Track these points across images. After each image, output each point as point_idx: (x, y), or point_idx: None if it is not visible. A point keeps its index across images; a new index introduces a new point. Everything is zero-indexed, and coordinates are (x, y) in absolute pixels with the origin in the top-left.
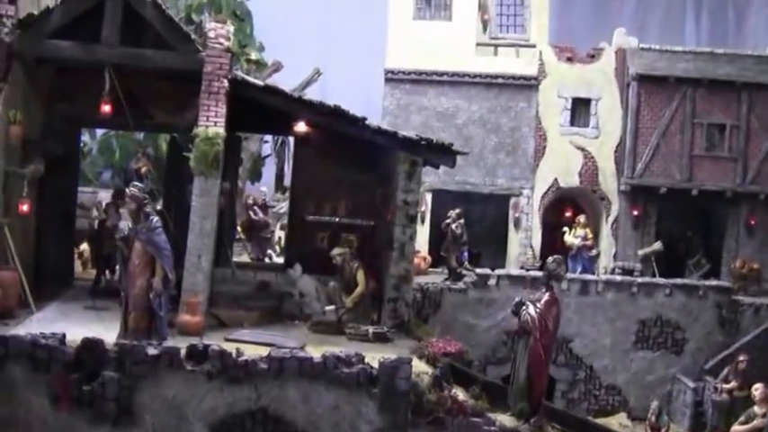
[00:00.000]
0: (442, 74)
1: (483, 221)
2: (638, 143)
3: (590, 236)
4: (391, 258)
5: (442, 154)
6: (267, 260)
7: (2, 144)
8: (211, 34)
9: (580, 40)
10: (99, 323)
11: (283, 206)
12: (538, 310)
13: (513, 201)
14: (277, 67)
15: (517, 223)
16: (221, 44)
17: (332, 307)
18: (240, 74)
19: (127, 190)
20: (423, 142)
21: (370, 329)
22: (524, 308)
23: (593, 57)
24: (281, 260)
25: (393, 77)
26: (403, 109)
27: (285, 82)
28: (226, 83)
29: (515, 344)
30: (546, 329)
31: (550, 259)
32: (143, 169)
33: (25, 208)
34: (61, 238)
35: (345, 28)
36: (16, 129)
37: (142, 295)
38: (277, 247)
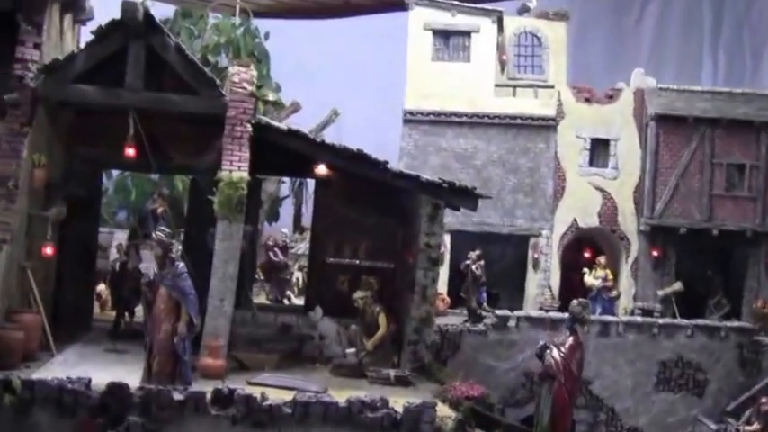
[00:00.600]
0: (460, 115)
1: (501, 262)
2: (658, 183)
3: (610, 277)
4: (412, 301)
5: (463, 197)
6: (286, 301)
7: (26, 188)
8: (235, 78)
9: (596, 80)
10: (121, 366)
11: (301, 247)
12: (562, 354)
13: (532, 241)
14: (295, 108)
15: (536, 264)
16: (244, 89)
17: (353, 350)
18: (263, 118)
19: (153, 235)
20: (444, 186)
21: (392, 373)
22: (548, 351)
23: (611, 97)
24: (299, 301)
25: (411, 118)
26: (421, 150)
27: (303, 122)
28: (249, 127)
29: (537, 386)
30: (570, 373)
31: (575, 302)
32: (160, 210)
33: (49, 251)
34: (81, 279)
35: (363, 68)
36: (40, 172)
37: (167, 339)
38: (295, 288)
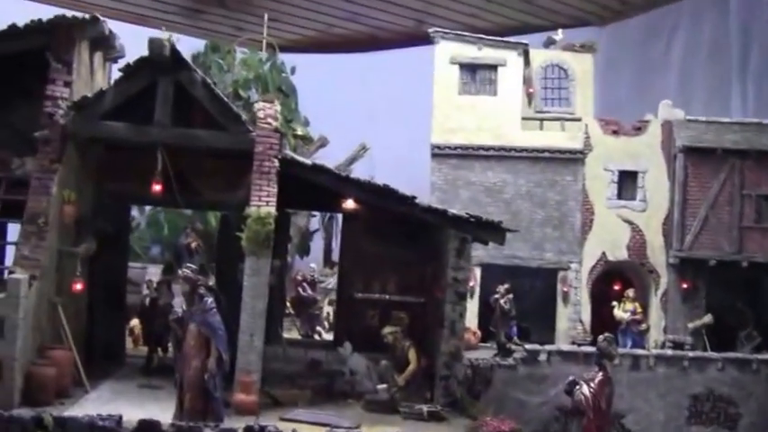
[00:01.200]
0: (488, 148)
1: (531, 296)
2: (687, 215)
3: (639, 310)
4: (442, 336)
5: (491, 231)
6: (316, 337)
7: (56, 224)
8: (260, 114)
9: (623, 112)
10: (154, 402)
11: (331, 282)
12: (591, 390)
13: (561, 275)
14: (323, 143)
15: (565, 297)
16: (270, 124)
17: (384, 385)
18: (290, 153)
19: (180, 271)
20: (471, 220)
21: (425, 408)
22: (578, 387)
23: (639, 129)
24: (329, 336)
25: (440, 152)
26: (451, 184)
27: (331, 157)
28: (276, 162)
29: (569, 423)
30: (599, 409)
31: (601, 338)
32: (193, 244)
33: (79, 287)
34: (112, 315)
35: (391, 102)
36: (70, 208)
37: (197, 376)
38: (326, 323)
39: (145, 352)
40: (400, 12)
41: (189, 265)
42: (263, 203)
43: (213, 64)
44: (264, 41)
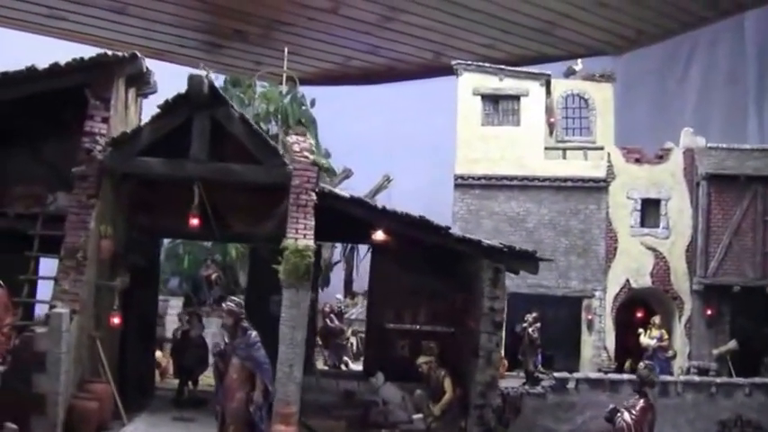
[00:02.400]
0: (511, 178)
1: (555, 324)
2: (710, 242)
3: (666, 337)
4: (477, 365)
5: (524, 261)
6: (343, 367)
7: (94, 258)
8: (296, 148)
9: (641, 139)
10: None
11: (353, 312)
12: (633, 417)
13: (585, 303)
14: (347, 174)
15: (590, 325)
16: (306, 157)
17: (420, 415)
18: (326, 186)
19: (224, 305)
20: (505, 250)
21: None
22: (619, 415)
23: (661, 157)
24: (356, 367)
25: (463, 183)
26: (474, 214)
27: (354, 188)
28: (313, 196)
29: None
30: None
31: (642, 365)
32: (213, 276)
33: (117, 321)
34: (143, 348)
35: (411, 133)
36: (107, 243)
37: (241, 408)
38: (351, 354)
39: (172, 384)
40: (419, 44)
41: (233, 298)
42: (301, 236)
43: (234, 98)
44: (284, 75)
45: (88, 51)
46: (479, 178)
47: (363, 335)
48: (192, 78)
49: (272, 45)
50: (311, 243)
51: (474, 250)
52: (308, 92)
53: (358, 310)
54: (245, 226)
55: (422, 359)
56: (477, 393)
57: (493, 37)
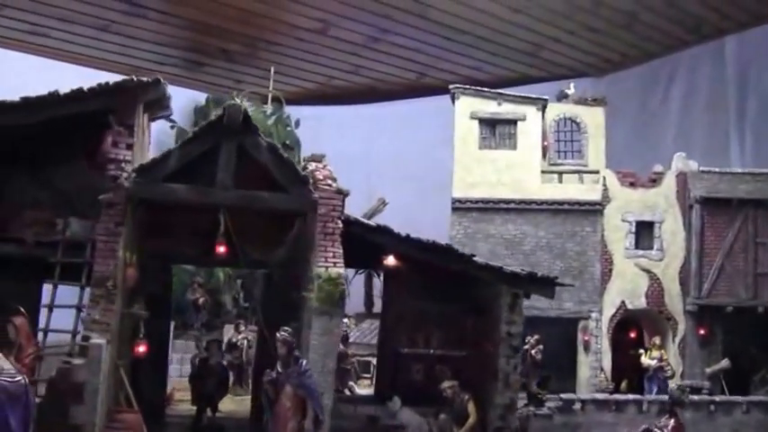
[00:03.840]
0: (508, 201)
1: (550, 345)
2: (704, 264)
3: (665, 357)
4: (496, 388)
5: (542, 286)
6: (347, 391)
7: (121, 286)
8: (319, 175)
9: (624, 161)
10: None
11: (351, 335)
12: None
13: (581, 324)
14: (344, 195)
15: (587, 346)
16: (330, 185)
17: None
18: (351, 215)
19: (278, 335)
20: (524, 275)
21: None
22: None
23: (654, 181)
24: (361, 391)
25: (460, 206)
26: (470, 237)
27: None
28: (340, 224)
29: None
30: None
31: (674, 386)
32: (200, 300)
33: (142, 349)
34: (156, 375)
35: (396, 154)
36: (132, 271)
37: None
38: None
39: (174, 411)
40: (402, 64)
41: (286, 328)
42: (331, 264)
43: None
44: (270, 95)
45: (70, 69)
46: (477, 201)
47: (360, 358)
48: (230, 108)
49: (254, 64)
50: (342, 271)
51: (495, 276)
52: (291, 112)
53: (355, 334)
54: (257, 252)
55: (446, 383)
56: (496, 416)
57: (479, 59)
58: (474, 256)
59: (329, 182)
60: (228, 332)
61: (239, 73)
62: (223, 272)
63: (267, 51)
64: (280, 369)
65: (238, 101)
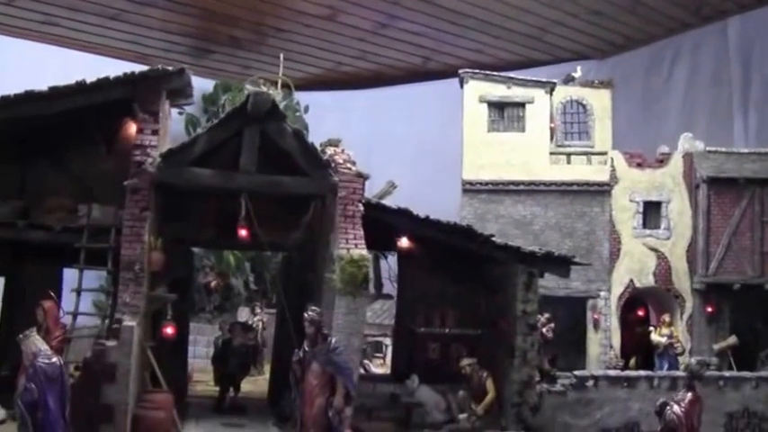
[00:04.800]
0: (518, 183)
1: (559, 323)
2: (710, 242)
3: (676, 334)
4: (512, 365)
5: (557, 265)
6: (362, 370)
7: (148, 270)
8: (339, 159)
9: (628, 142)
10: None
11: None
12: (683, 409)
13: (590, 302)
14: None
15: (596, 324)
16: (350, 169)
17: (465, 415)
18: (372, 198)
19: (305, 314)
20: (540, 255)
21: None
22: (669, 408)
23: (661, 161)
24: (376, 370)
25: (470, 188)
26: (480, 218)
27: None
28: (360, 206)
29: None
30: (692, 427)
31: (693, 361)
32: (213, 283)
33: (170, 331)
34: (178, 357)
35: (403, 137)
36: (157, 254)
37: (321, 414)
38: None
39: (197, 392)
40: (408, 49)
41: (314, 308)
42: (352, 246)
43: (227, 103)
44: (280, 81)
45: (79, 57)
46: (486, 183)
47: (372, 338)
48: (258, 96)
49: (262, 50)
50: (365, 252)
51: (512, 256)
52: (299, 98)
53: (367, 314)
54: (272, 235)
55: (465, 361)
56: (513, 392)
57: (482, 42)
58: (492, 236)
59: (349, 166)
60: (241, 314)
61: (247, 59)
62: (233, 255)
63: (275, 38)
64: (306, 348)
65: (263, 88)
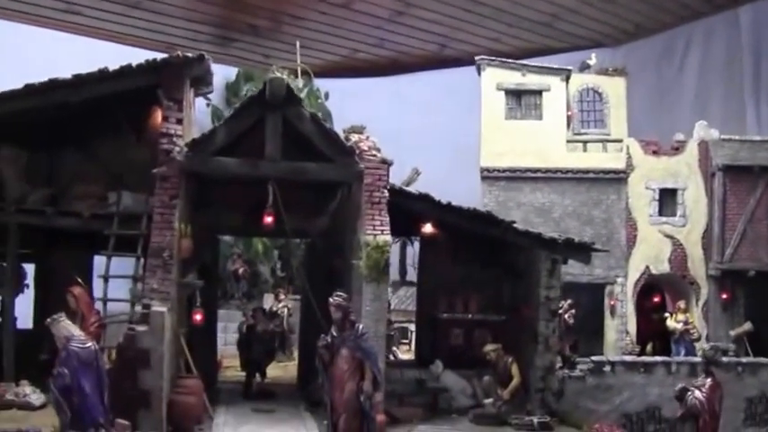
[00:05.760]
0: (535, 170)
1: (579, 310)
2: (726, 229)
3: (691, 320)
4: (535, 351)
5: (579, 251)
6: (390, 356)
7: (177, 257)
8: (364, 146)
9: (642, 130)
10: (284, 424)
11: None
12: (704, 395)
13: (608, 289)
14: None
15: (613, 310)
16: (375, 156)
17: (490, 400)
18: (395, 183)
19: (331, 300)
20: (562, 242)
21: (535, 419)
22: (689, 393)
23: (677, 149)
24: (401, 356)
25: (489, 175)
26: (502, 205)
27: None
28: (386, 193)
29: (679, 428)
30: (714, 412)
31: (707, 347)
32: (240, 270)
33: (199, 318)
34: (207, 343)
35: (422, 125)
36: (186, 242)
37: (353, 399)
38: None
39: (225, 377)
40: (425, 37)
41: (339, 293)
42: (378, 232)
43: (249, 92)
44: (299, 69)
45: (102, 46)
46: (504, 171)
47: (398, 324)
48: (273, 82)
49: (280, 38)
50: (389, 239)
51: (533, 242)
52: (320, 85)
53: (393, 301)
54: (298, 222)
55: (490, 347)
56: (537, 377)
57: (498, 30)
58: (514, 222)
59: (374, 152)
60: (267, 301)
61: (267, 48)
62: (262, 242)
63: (293, 26)
64: (335, 333)
65: (279, 74)
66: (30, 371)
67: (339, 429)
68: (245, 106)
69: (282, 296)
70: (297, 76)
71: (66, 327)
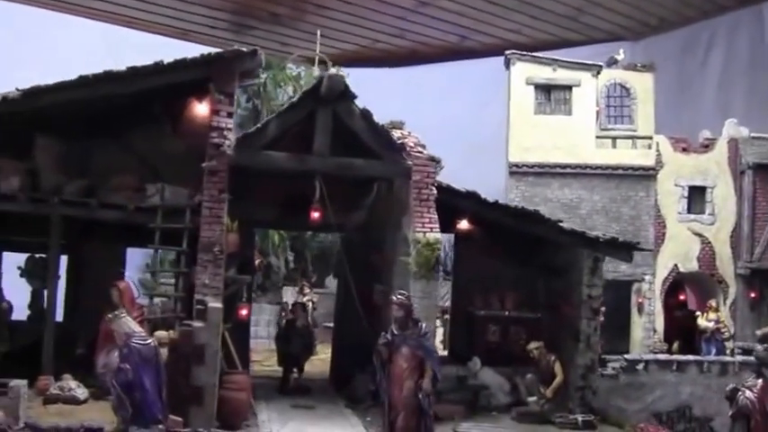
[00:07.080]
0: (564, 166)
1: (606, 307)
2: (755, 228)
3: (722, 319)
4: (576, 349)
5: (620, 250)
6: None
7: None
8: (410, 143)
9: (665, 124)
10: (328, 421)
11: None
12: (756, 395)
13: (635, 286)
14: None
15: (640, 308)
16: (421, 152)
17: (534, 398)
18: (443, 181)
19: (394, 298)
20: (603, 240)
21: (579, 418)
22: (740, 393)
23: (706, 147)
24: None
25: (517, 171)
26: (529, 201)
27: None
28: (434, 190)
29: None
30: (765, 412)
31: (760, 347)
32: (256, 262)
33: (244, 312)
34: (242, 338)
35: (443, 117)
36: (234, 236)
37: (411, 396)
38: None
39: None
40: (446, 28)
41: (402, 291)
42: (428, 230)
43: (268, 81)
44: (317, 58)
45: (121, 32)
46: (533, 166)
47: None
48: (333, 78)
49: (299, 27)
50: (439, 236)
51: (577, 241)
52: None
53: None
54: (334, 216)
55: (533, 345)
56: (578, 376)
57: (520, 22)
58: (560, 221)
59: (420, 149)
60: (287, 294)
61: (284, 36)
62: (278, 235)
63: (314, 14)
64: (395, 331)
65: (334, 70)
66: (63, 365)
67: (397, 427)
68: (299, 101)
69: (307, 290)
70: (315, 65)
71: (126, 323)
